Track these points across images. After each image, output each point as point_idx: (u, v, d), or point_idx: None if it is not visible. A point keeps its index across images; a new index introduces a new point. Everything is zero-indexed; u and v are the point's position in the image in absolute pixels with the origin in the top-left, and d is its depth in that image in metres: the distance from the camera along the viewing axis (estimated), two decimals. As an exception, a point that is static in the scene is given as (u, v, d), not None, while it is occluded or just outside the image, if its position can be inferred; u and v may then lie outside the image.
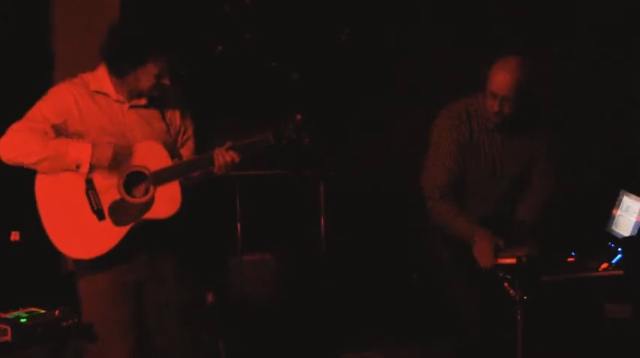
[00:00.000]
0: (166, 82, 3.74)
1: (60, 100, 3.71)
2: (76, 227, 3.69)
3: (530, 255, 4.07)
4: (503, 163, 4.41)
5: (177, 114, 3.89)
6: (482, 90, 4.31)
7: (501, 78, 4.18)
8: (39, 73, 5.18)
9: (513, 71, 4.17)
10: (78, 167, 3.67)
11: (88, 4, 5.36)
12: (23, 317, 3.69)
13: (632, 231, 4.30)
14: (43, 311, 3.76)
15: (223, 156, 3.74)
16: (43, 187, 3.71)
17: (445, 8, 5.65)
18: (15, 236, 4.89)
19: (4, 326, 3.57)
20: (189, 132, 3.92)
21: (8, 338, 3.58)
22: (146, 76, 3.70)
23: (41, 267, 4.81)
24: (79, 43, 5.13)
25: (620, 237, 4.34)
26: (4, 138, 3.70)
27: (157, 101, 3.83)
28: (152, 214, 3.71)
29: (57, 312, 3.71)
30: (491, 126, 4.35)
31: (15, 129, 3.69)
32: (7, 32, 5.06)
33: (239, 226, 5.19)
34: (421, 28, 5.72)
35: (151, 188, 3.71)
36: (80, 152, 3.65)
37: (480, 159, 4.38)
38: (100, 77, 3.77)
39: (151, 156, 3.72)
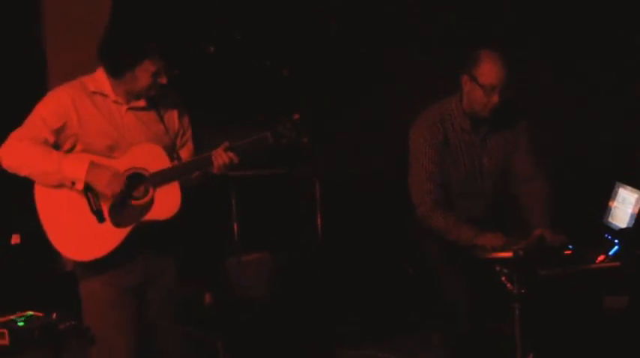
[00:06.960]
0: (163, 80, 3.70)
1: (59, 103, 3.70)
2: (75, 229, 3.68)
3: (529, 247, 4.07)
4: (483, 162, 4.42)
5: (175, 116, 3.88)
6: (457, 93, 4.34)
7: (497, 69, 4.19)
8: (32, 78, 5.17)
9: (502, 61, 4.20)
10: (73, 184, 3.66)
11: (79, 5, 5.35)
12: (21, 321, 3.68)
13: (629, 223, 4.31)
14: (40, 315, 3.75)
15: (222, 157, 3.73)
16: (42, 189, 3.69)
17: (445, 8, 5.65)
18: (16, 239, 4.86)
19: (1, 330, 3.55)
20: (188, 134, 3.92)
21: (6, 341, 3.57)
22: (143, 74, 3.67)
23: (41, 268, 4.79)
24: (72, 46, 5.13)
25: (616, 229, 4.35)
26: (5, 146, 3.70)
27: (154, 103, 3.81)
28: (152, 215, 3.70)
29: (54, 315, 3.70)
30: (468, 127, 4.35)
31: (16, 138, 3.68)
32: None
33: (236, 226, 5.20)
34: (420, 27, 5.73)
35: (151, 189, 3.70)
36: (76, 170, 3.64)
37: (460, 161, 4.38)
38: (99, 79, 3.75)
39: (150, 157, 3.71)
